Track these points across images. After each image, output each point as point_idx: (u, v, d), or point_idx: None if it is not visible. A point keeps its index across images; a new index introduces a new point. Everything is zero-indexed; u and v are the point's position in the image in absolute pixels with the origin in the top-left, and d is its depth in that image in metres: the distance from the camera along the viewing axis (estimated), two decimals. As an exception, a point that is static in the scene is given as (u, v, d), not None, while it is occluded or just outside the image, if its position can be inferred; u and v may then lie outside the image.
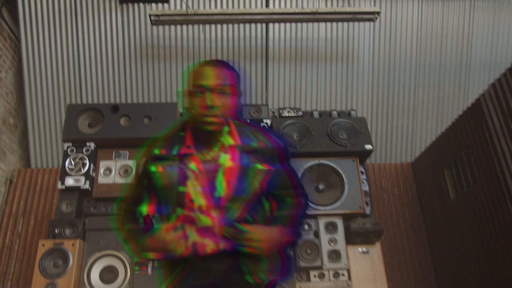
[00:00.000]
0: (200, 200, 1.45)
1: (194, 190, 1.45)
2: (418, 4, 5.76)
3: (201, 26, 5.50)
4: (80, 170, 3.69)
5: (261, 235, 1.43)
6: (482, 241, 3.95)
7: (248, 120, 4.05)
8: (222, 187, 1.45)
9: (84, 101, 5.58)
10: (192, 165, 1.47)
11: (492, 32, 5.93)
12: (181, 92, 1.51)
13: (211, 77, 1.44)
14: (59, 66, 5.57)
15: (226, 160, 1.48)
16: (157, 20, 5.15)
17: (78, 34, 5.51)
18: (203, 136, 1.49)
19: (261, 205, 1.59)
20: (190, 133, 1.52)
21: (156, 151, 1.51)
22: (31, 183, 5.24)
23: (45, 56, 5.55)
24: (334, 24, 5.69)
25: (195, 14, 5.11)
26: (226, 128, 1.52)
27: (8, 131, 5.46)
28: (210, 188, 1.45)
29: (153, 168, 1.48)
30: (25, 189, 5.21)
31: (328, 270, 3.54)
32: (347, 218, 3.75)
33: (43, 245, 3.37)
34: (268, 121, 4.06)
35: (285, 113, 4.19)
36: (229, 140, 1.51)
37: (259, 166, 1.49)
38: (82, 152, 3.78)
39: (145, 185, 1.53)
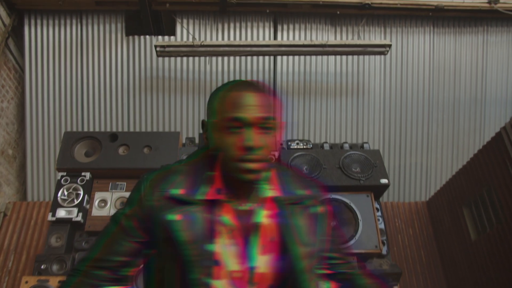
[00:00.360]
0: (233, 266, 1.07)
1: (226, 250, 1.07)
2: (430, 37, 5.66)
3: (207, 58, 5.40)
4: (73, 201, 3.46)
5: None
6: (509, 284, 3.58)
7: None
8: (256, 255, 1.09)
9: (85, 130, 5.43)
10: (225, 218, 1.09)
11: (507, 66, 5.80)
12: (209, 124, 1.12)
13: (252, 108, 1.04)
14: (61, 97, 5.47)
15: (262, 217, 1.11)
16: (163, 52, 5.07)
17: (83, 65, 5.45)
18: (236, 183, 1.10)
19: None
20: (220, 174, 1.12)
21: (175, 191, 1.09)
22: (26, 216, 4.99)
23: (48, 87, 5.46)
24: (344, 57, 5.59)
25: (201, 46, 5.02)
26: (266, 174, 1.15)
27: (6, 163, 5.29)
28: (248, 251, 1.08)
29: (170, 216, 1.07)
30: (19, 223, 4.96)
31: (341, 317, 3.17)
32: (362, 258, 3.42)
33: (26, 282, 3.06)
34: (276, 153, 3.83)
35: (294, 145, 3.96)
36: (267, 191, 1.14)
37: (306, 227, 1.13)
38: (77, 182, 3.55)
39: (141, 237, 1.12)
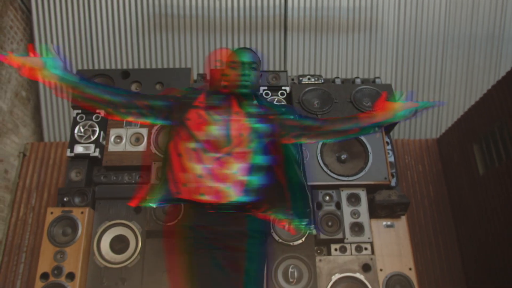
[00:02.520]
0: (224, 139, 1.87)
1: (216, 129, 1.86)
2: (448, -31, 5.40)
3: (217, -6, 5.27)
4: (89, 137, 3.53)
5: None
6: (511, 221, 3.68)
7: (266, 87, 3.81)
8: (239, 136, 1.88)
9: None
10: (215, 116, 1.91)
11: (527, 0, 5.54)
12: (219, 68, 1.92)
13: (245, 56, 1.97)
14: (71, 37, 5.43)
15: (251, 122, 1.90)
16: (171, -12, 4.94)
17: (90, 3, 5.36)
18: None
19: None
20: (205, 95, 2.02)
21: (190, 94, 2.04)
22: (44, 156, 5.17)
23: (57, 27, 5.42)
24: (357, -9, 5.39)
25: (210, -20, 4.88)
26: (250, 97, 2.01)
27: (21, 104, 5.37)
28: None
29: (186, 114, 1.93)
30: (38, 163, 5.14)
31: (350, 244, 3.32)
32: (371, 189, 3.50)
33: (52, 213, 3.22)
34: (287, 88, 3.82)
35: (305, 80, 3.93)
36: (251, 108, 1.95)
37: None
38: (92, 120, 3.61)
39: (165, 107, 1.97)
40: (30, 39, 5.51)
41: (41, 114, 5.61)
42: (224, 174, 1.71)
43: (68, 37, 5.43)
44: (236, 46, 5.48)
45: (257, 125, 1.85)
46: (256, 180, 1.73)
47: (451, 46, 5.64)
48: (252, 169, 1.74)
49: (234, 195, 1.68)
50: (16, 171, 5.10)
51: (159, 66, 5.37)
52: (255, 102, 1.96)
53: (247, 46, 5.51)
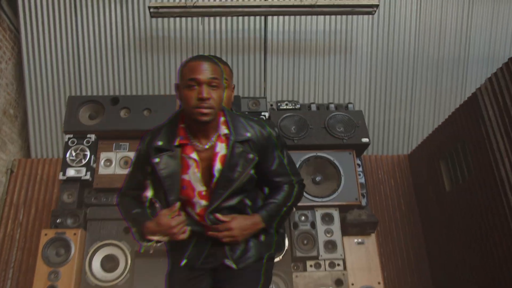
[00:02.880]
0: (200, 187, 1.60)
1: (195, 177, 1.59)
2: (416, -4, 5.76)
3: (200, 18, 5.50)
4: (81, 161, 3.75)
5: (234, 225, 1.58)
6: (475, 233, 4.01)
7: (247, 113, 4.10)
8: (218, 174, 1.58)
9: (84, 92, 5.61)
10: (193, 154, 1.59)
11: (491, 26, 5.94)
12: (178, 85, 1.57)
13: (202, 71, 1.50)
14: (58, 57, 5.58)
15: (222, 148, 1.59)
16: (156, 12, 5.16)
17: (78, 25, 5.52)
18: (198, 127, 1.58)
19: (257, 192, 1.75)
20: (185, 124, 1.62)
21: (155, 143, 1.60)
22: (32, 173, 5.29)
23: (45, 47, 5.55)
24: (333, 17, 5.69)
25: (194, 7, 5.12)
26: (222, 119, 1.62)
27: (9, 122, 5.49)
28: (209, 175, 1.58)
29: (157, 160, 1.58)
30: (25, 179, 5.25)
31: (324, 260, 3.63)
32: (343, 209, 3.82)
33: (46, 234, 3.43)
34: (267, 114, 4.12)
35: (283, 106, 4.23)
36: (224, 130, 1.60)
37: (251, 155, 1.60)
38: (83, 144, 3.83)
39: (148, 172, 1.64)
40: (18, 57, 5.64)
41: (28, 131, 5.73)
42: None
43: (56, 57, 5.57)
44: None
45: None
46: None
47: (421, 68, 5.99)
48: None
49: None
50: (4, 187, 5.21)
51: (144, 89, 5.57)
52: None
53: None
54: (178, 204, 1.56)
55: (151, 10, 5.11)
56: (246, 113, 4.07)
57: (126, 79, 5.61)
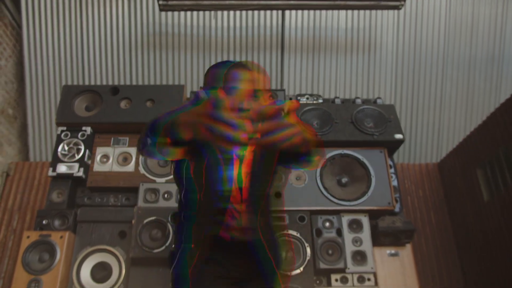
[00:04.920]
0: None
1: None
2: (447, -9, 5.39)
3: (212, 12, 5.20)
4: (74, 156, 3.34)
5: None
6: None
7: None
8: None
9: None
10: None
11: (527, 23, 5.52)
12: (215, 92, 1.56)
13: (243, 81, 1.59)
14: (61, 55, 5.30)
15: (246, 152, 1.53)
16: (166, 5, 4.85)
17: (82, 20, 5.26)
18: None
19: None
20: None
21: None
22: (29, 176, 4.96)
23: (47, 44, 5.29)
24: (356, 12, 5.36)
25: (206, -1, 4.80)
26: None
27: (7, 122, 5.19)
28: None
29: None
30: (22, 183, 4.93)
31: (352, 274, 3.12)
32: (373, 215, 3.33)
33: (28, 236, 2.99)
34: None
35: (304, 100, 3.78)
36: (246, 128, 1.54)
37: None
38: (77, 137, 3.42)
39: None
40: (20, 56, 5.37)
41: (27, 132, 5.42)
42: None
43: (59, 55, 5.30)
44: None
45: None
46: None
47: (451, 67, 5.59)
48: None
49: None
50: (-1, 191, 4.89)
51: (151, 83, 5.24)
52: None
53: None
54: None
55: (160, 2, 4.80)
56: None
57: (132, 77, 5.31)
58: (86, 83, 5.31)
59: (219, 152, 1.49)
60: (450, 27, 5.51)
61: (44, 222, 3.05)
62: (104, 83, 5.28)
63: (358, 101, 3.82)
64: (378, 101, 3.87)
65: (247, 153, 1.51)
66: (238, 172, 1.49)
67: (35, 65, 5.32)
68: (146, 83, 5.24)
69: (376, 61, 5.48)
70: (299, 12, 5.32)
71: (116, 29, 5.28)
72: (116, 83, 5.21)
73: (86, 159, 3.35)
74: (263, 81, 1.67)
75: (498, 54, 5.59)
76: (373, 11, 5.35)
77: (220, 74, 1.62)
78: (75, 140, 3.38)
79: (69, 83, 5.32)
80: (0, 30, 5.09)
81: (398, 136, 3.45)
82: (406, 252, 3.26)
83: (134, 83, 5.24)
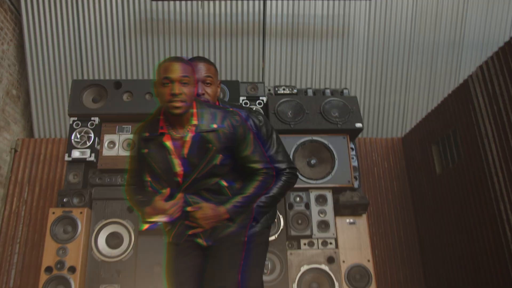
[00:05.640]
0: (176, 169, 1.80)
1: (175, 163, 1.79)
2: (414, -18, 5.79)
3: (199, 1, 5.56)
4: (85, 143, 3.89)
5: (198, 214, 1.76)
6: (463, 214, 4.22)
7: (245, 97, 4.24)
8: (186, 161, 1.80)
9: (85, 73, 5.73)
10: (167, 143, 1.80)
11: (486, 11, 5.98)
12: (155, 83, 1.77)
13: (175, 71, 1.71)
14: (60, 38, 5.67)
15: (190, 137, 1.78)
16: (157, -5, 5.22)
17: (79, 6, 5.59)
18: (174, 119, 1.78)
19: (235, 174, 1.89)
20: (163, 117, 1.82)
21: (143, 134, 1.83)
22: (35, 152, 5.45)
23: (46, 28, 5.64)
24: (331, 1, 5.76)
25: (194, -10, 5.18)
26: (191, 111, 1.80)
27: (12, 102, 5.60)
28: (182, 161, 1.79)
29: (143, 150, 1.81)
30: (29, 158, 5.42)
31: (317, 239, 3.83)
32: (336, 191, 4.00)
33: (53, 213, 3.61)
34: (264, 98, 4.25)
35: (281, 91, 4.36)
36: (193, 121, 1.79)
37: (210, 145, 1.78)
38: (87, 126, 3.96)
39: (142, 160, 1.84)
40: (20, 38, 5.72)
41: (31, 111, 5.86)
42: None
43: (58, 38, 5.66)
44: (217, 51, 5.84)
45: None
46: None
47: (416, 52, 6.09)
48: None
49: None
50: (8, 166, 5.38)
51: (145, 73, 5.68)
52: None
53: (227, 50, 5.87)
54: (168, 190, 1.76)
55: (152, -7, 5.18)
56: (244, 97, 4.21)
57: (127, 61, 5.71)
58: (84, 64, 5.69)
59: None
60: (417, 14, 5.92)
61: (64, 200, 3.66)
62: (101, 65, 5.68)
63: (327, 92, 4.41)
64: (345, 91, 4.47)
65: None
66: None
67: (35, 48, 5.65)
68: (140, 70, 5.65)
69: (349, 46, 5.93)
70: (279, 0, 5.68)
71: (111, 15, 5.62)
72: (112, 71, 5.62)
73: (96, 145, 3.93)
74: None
75: (459, 40, 6.07)
76: (347, 0, 5.73)
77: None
78: (85, 129, 3.94)
79: (68, 62, 5.69)
80: (1, 16, 5.38)
81: (358, 125, 4.09)
82: (362, 220, 3.97)
83: (129, 70, 5.64)
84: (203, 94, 1.95)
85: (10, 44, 5.60)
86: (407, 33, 5.99)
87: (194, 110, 1.82)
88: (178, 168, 1.79)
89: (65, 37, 5.66)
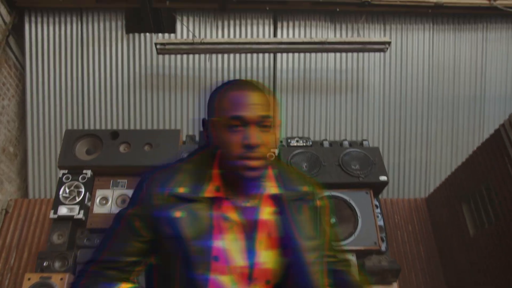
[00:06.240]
0: (235, 261, 1.10)
1: (227, 246, 1.10)
2: (429, 34, 5.69)
3: (207, 55, 5.43)
4: (74, 198, 3.48)
5: None
6: (507, 280, 3.63)
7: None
8: (257, 251, 1.12)
9: (86, 129, 5.47)
10: (225, 215, 1.12)
11: (506, 63, 5.83)
12: (209, 122, 1.14)
13: (251, 107, 1.07)
14: (62, 95, 5.50)
15: (262, 213, 1.14)
16: (163, 49, 5.09)
17: (84, 63, 5.48)
18: (235, 180, 1.13)
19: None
20: (219, 172, 1.14)
21: (176, 189, 1.11)
22: (28, 213, 5.06)
23: (49, 85, 5.49)
24: (344, 54, 5.62)
25: (201, 43, 5.04)
26: (265, 172, 1.16)
27: (7, 160, 5.32)
28: (248, 247, 1.12)
29: (172, 213, 1.09)
30: (20, 220, 5.02)
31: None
32: (361, 255, 3.46)
33: (29, 279, 3.10)
34: (276, 151, 3.85)
35: (294, 142, 3.98)
36: (266, 188, 1.16)
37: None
38: (78, 180, 3.58)
39: (147, 235, 1.12)
40: (22, 95, 5.56)
41: (27, 170, 5.55)
42: None
43: (60, 96, 5.49)
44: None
45: None
46: None
47: (435, 107, 5.83)
48: None
49: None
50: (-3, 228, 4.98)
51: (149, 126, 5.42)
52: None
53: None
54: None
55: (158, 46, 5.06)
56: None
57: (130, 117, 5.48)
58: (86, 124, 5.46)
59: None
60: (434, 68, 5.76)
61: (44, 264, 3.17)
62: (103, 124, 5.43)
63: (345, 143, 4.02)
64: (365, 143, 4.08)
65: None
66: None
67: (37, 105, 5.48)
68: (144, 125, 5.40)
69: (364, 101, 5.69)
70: (290, 54, 5.54)
71: (116, 72, 5.48)
72: (115, 125, 5.37)
73: (86, 201, 3.50)
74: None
75: (480, 93, 5.84)
76: (360, 53, 5.58)
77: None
78: (76, 183, 3.54)
79: (69, 123, 5.47)
80: (5, 72, 5.29)
81: (383, 178, 3.64)
82: (392, 290, 3.40)
83: (132, 125, 5.39)
84: (258, 146, 1.10)
85: (12, 100, 5.44)
86: (425, 87, 5.78)
87: (270, 170, 1.20)
88: (241, 260, 1.10)
89: (68, 94, 5.50)
